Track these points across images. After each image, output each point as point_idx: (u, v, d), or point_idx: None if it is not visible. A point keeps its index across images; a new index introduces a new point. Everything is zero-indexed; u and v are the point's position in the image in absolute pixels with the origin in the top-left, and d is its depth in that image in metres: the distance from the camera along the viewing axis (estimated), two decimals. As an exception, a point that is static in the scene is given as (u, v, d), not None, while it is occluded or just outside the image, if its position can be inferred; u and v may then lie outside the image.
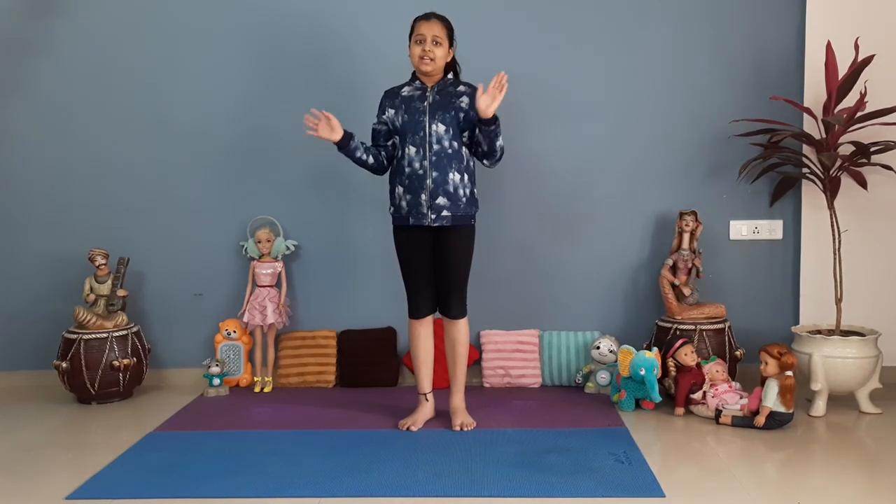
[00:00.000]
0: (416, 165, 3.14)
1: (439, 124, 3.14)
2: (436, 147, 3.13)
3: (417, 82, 3.22)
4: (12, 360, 4.07)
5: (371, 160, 3.24)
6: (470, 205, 3.21)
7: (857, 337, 3.39)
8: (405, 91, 3.21)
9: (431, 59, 3.11)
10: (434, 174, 3.13)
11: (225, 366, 3.91)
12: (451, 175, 3.14)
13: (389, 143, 3.24)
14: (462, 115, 3.15)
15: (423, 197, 3.13)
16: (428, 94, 3.18)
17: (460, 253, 3.23)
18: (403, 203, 3.16)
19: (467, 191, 3.18)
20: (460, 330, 3.30)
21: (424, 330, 3.29)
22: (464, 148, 3.19)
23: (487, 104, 2.99)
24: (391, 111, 3.20)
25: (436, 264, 3.23)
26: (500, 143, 3.15)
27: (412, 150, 3.14)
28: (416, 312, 3.27)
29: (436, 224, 3.14)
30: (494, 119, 3.06)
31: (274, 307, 3.87)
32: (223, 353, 3.95)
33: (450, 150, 3.14)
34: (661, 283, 3.77)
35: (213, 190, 4.01)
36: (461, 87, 3.21)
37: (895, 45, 3.67)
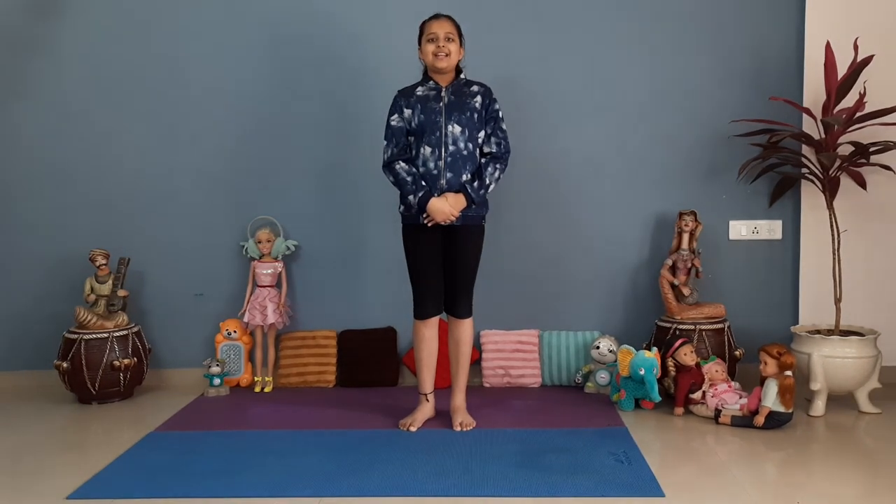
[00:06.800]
0: (431, 165, 3.14)
1: (455, 125, 3.14)
2: (451, 148, 3.13)
3: (431, 82, 3.20)
4: (13, 360, 4.07)
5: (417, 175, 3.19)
6: (481, 206, 3.22)
7: (857, 337, 3.39)
8: (419, 91, 3.20)
9: (446, 55, 3.12)
10: (448, 175, 3.13)
11: (225, 366, 3.92)
12: (464, 177, 3.15)
13: (411, 139, 3.22)
14: (477, 115, 3.17)
15: (435, 197, 3.13)
16: (443, 94, 3.17)
17: (470, 253, 3.24)
18: (414, 202, 3.14)
19: None
20: (465, 329, 3.30)
21: (429, 332, 3.29)
22: (477, 150, 3.20)
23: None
24: (407, 111, 3.18)
25: (445, 264, 3.24)
26: (493, 179, 3.20)
27: (427, 150, 3.15)
28: (422, 313, 3.27)
29: (446, 224, 3.14)
30: (469, 205, 3.14)
31: (274, 307, 3.88)
32: (223, 353, 3.96)
33: (465, 152, 3.15)
34: (660, 283, 3.77)
35: (213, 190, 4.01)
36: (475, 88, 3.22)
37: (895, 45, 3.68)
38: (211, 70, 3.97)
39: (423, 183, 3.13)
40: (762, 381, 3.26)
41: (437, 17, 3.17)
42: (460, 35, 3.19)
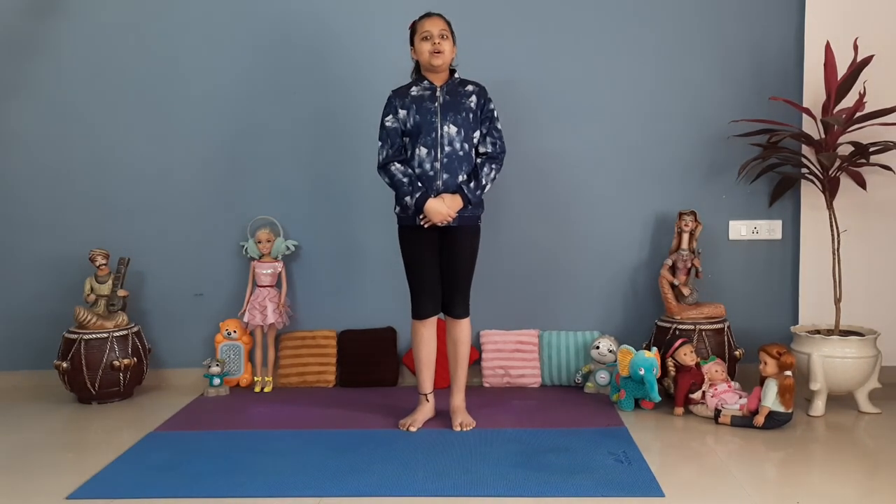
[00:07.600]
0: (427, 167, 3.14)
1: (451, 125, 3.14)
2: (447, 149, 3.13)
3: (425, 82, 3.20)
4: (12, 360, 4.07)
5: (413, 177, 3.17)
6: (477, 206, 3.22)
7: (856, 337, 3.39)
8: (414, 91, 3.19)
9: (441, 52, 3.11)
10: (444, 176, 3.13)
11: (225, 366, 3.92)
12: (460, 177, 3.14)
13: (407, 139, 3.22)
14: (472, 115, 3.17)
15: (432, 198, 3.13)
16: (438, 94, 3.17)
17: (466, 253, 3.24)
18: (411, 203, 3.15)
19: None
20: (463, 329, 3.30)
21: (428, 332, 3.29)
22: (473, 150, 3.20)
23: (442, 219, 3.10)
24: (402, 111, 3.17)
25: (441, 264, 3.24)
26: (489, 180, 3.20)
27: (423, 150, 3.14)
28: (420, 314, 3.26)
29: (443, 224, 3.14)
30: (466, 206, 3.14)
31: (274, 307, 3.88)
32: (223, 353, 3.96)
33: (461, 153, 3.14)
34: (660, 283, 3.77)
35: (213, 190, 4.01)
36: (469, 87, 3.21)
37: (894, 45, 3.67)
38: (210, 70, 3.96)
39: (420, 184, 3.13)
40: (762, 381, 3.26)
41: (428, 15, 3.16)
42: (452, 33, 3.19)
